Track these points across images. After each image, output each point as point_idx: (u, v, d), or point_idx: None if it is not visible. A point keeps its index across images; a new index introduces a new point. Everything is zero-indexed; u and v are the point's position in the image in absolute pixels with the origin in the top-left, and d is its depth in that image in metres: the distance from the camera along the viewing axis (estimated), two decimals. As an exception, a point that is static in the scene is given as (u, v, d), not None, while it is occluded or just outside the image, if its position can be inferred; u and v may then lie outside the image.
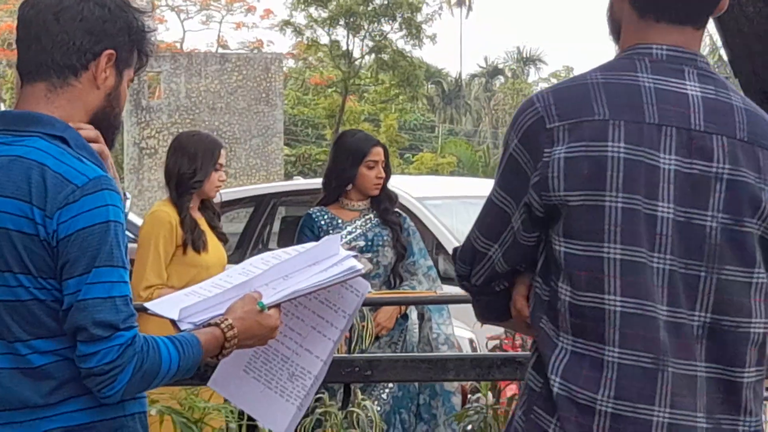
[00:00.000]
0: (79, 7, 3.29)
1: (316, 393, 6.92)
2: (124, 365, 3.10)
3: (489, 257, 3.05)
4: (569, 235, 2.89)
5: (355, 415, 6.57)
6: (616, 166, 2.86)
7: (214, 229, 7.75)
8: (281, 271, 3.48)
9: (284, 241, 7.92)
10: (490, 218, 3.04)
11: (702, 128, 2.92)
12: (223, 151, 7.70)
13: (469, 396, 7.31)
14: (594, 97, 2.91)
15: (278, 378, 3.55)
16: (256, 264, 3.57)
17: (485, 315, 3.23)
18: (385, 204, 7.78)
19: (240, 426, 6.49)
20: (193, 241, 7.44)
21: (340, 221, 7.61)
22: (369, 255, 7.49)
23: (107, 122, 3.39)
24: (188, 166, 7.48)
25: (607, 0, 3.13)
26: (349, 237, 7.49)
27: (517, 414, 3.02)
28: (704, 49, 49.78)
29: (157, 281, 7.31)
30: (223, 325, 3.33)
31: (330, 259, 3.51)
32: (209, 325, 3.34)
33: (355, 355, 6.65)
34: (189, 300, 3.46)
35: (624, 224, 2.86)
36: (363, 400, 6.72)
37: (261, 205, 11.94)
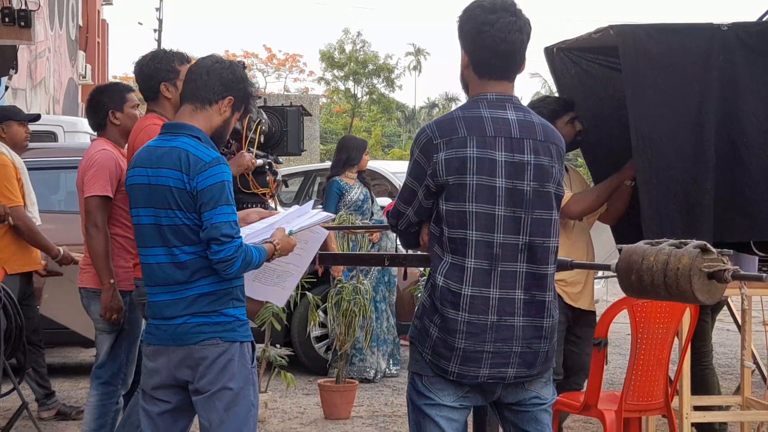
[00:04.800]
0: (222, 71, 3.33)
1: (336, 278, 6.92)
2: (237, 257, 3.16)
3: (406, 214, 3.07)
4: (448, 199, 2.92)
5: (357, 287, 6.61)
6: (472, 161, 2.90)
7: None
8: (289, 218, 3.53)
9: (318, 195, 8.05)
10: (406, 193, 3.06)
11: (518, 136, 2.95)
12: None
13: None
14: (458, 124, 2.94)
15: (272, 279, 3.61)
16: (279, 215, 3.62)
17: (407, 244, 3.23)
18: (362, 175, 7.95)
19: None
20: None
21: (347, 183, 7.67)
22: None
23: (219, 135, 3.38)
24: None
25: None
26: (353, 192, 7.58)
27: (424, 295, 3.04)
28: (546, 91, 49.35)
29: None
30: (274, 241, 3.35)
31: (311, 213, 3.61)
32: (267, 242, 3.35)
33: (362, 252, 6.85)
34: (251, 229, 3.49)
35: (477, 192, 2.90)
36: (361, 280, 6.76)
37: (307, 176, 11.94)
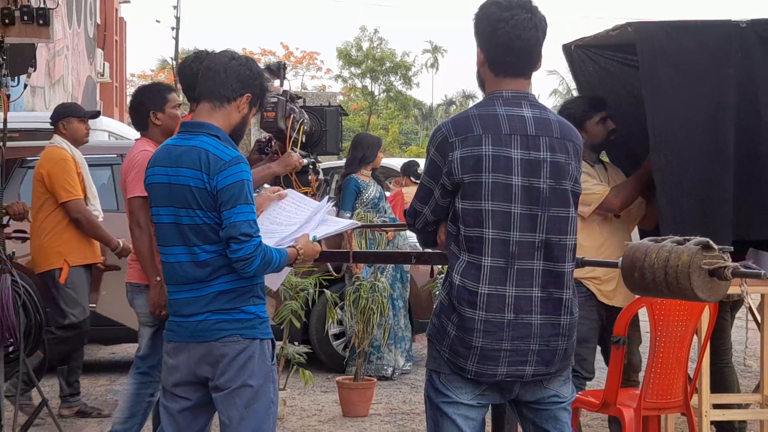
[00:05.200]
0: (238, 68, 3.32)
1: (354, 274, 6.93)
2: (256, 255, 3.16)
3: (422, 213, 3.08)
4: (464, 198, 2.92)
5: (375, 284, 6.61)
6: (487, 159, 2.90)
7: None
8: (309, 220, 3.54)
9: (335, 193, 8.10)
10: (422, 192, 3.06)
11: (534, 134, 2.94)
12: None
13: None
14: (473, 122, 2.94)
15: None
16: (305, 208, 3.62)
17: (425, 243, 3.24)
18: (376, 172, 7.97)
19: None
20: None
21: (363, 181, 7.68)
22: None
23: (238, 132, 3.39)
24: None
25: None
26: (369, 189, 7.61)
27: (442, 294, 3.04)
28: (564, 89, 49.02)
29: None
30: (297, 246, 3.37)
31: (335, 219, 3.70)
32: (290, 247, 3.36)
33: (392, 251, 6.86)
34: (274, 231, 3.50)
35: (493, 190, 2.89)
36: (379, 278, 6.76)
37: (324, 173, 11.91)
